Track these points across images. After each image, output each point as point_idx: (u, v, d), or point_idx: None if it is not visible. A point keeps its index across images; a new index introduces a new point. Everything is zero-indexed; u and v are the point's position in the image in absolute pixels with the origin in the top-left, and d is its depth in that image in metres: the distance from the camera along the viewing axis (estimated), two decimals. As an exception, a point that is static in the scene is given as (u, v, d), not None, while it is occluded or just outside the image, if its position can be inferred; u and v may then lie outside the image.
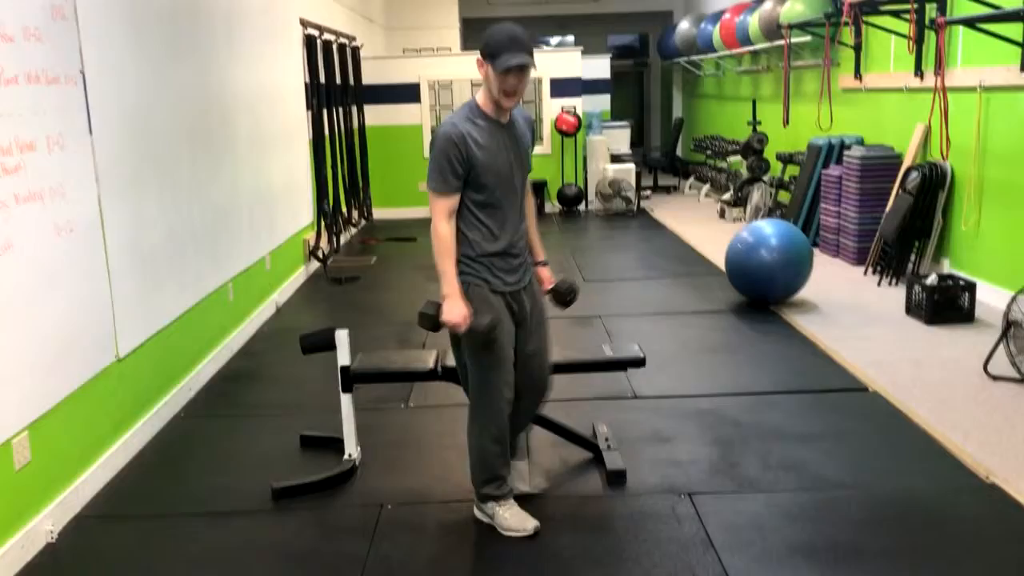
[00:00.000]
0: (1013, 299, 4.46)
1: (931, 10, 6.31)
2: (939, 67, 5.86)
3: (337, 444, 3.77)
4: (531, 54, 2.89)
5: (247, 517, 3.40)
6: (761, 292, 6.08)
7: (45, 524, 3.22)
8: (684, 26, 12.92)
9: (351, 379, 3.64)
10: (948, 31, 6.06)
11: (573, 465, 3.71)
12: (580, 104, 11.03)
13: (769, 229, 6.08)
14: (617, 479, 3.52)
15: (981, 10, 5.57)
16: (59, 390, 3.39)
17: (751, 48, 10.25)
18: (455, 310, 2.96)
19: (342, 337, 3.61)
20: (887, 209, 6.77)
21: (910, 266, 6.52)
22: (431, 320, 3.00)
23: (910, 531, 3.11)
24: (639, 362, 3.67)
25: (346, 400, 3.67)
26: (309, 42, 7.97)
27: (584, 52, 11.42)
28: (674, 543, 3.07)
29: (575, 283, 3.33)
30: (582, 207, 11.23)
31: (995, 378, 4.48)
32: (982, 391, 4.36)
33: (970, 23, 5.58)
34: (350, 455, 3.71)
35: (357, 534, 3.22)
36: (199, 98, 5.17)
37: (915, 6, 6.07)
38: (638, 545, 3.07)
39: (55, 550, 3.19)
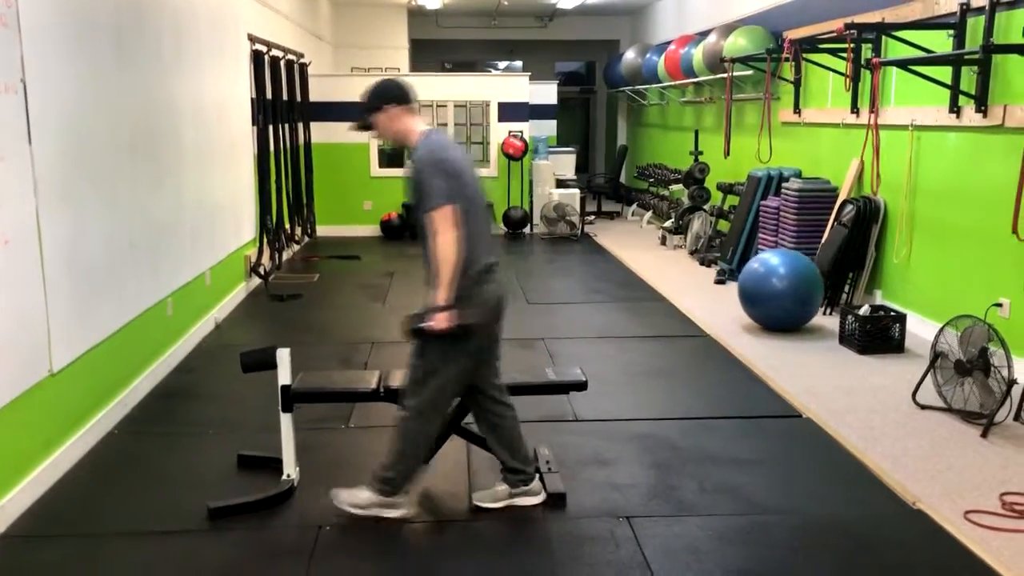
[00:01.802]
0: (940, 331, 4.62)
1: (867, 50, 6.55)
2: (873, 105, 6.08)
3: (275, 464, 3.72)
4: (366, 111, 3.31)
5: (182, 537, 3.34)
6: (776, 319, 6.19)
7: (-31, 543, 3.13)
8: (630, 56, 13.15)
9: (291, 399, 3.61)
10: (883, 71, 6.29)
11: (514, 487, 3.72)
12: (527, 129, 11.14)
13: (777, 259, 6.21)
14: (557, 502, 3.55)
15: (913, 53, 5.80)
16: (-12, 405, 3.30)
17: (695, 80, 10.48)
18: None
19: (283, 356, 3.59)
20: (823, 240, 6.97)
21: (844, 296, 6.71)
22: None
23: (841, 555, 3.19)
24: (581, 386, 3.72)
25: (286, 420, 3.64)
26: (256, 58, 7.91)
27: (532, 78, 11.55)
28: (612, 566, 3.10)
29: (412, 322, 3.22)
30: (527, 230, 11.31)
31: (923, 407, 4.62)
32: (910, 420, 4.50)
33: (903, 65, 5.81)
34: (288, 475, 3.67)
35: (294, 555, 3.19)
36: (143, 110, 5.10)
37: (852, 46, 6.29)
38: (577, 568, 3.09)
39: (-21, 570, 3.10)
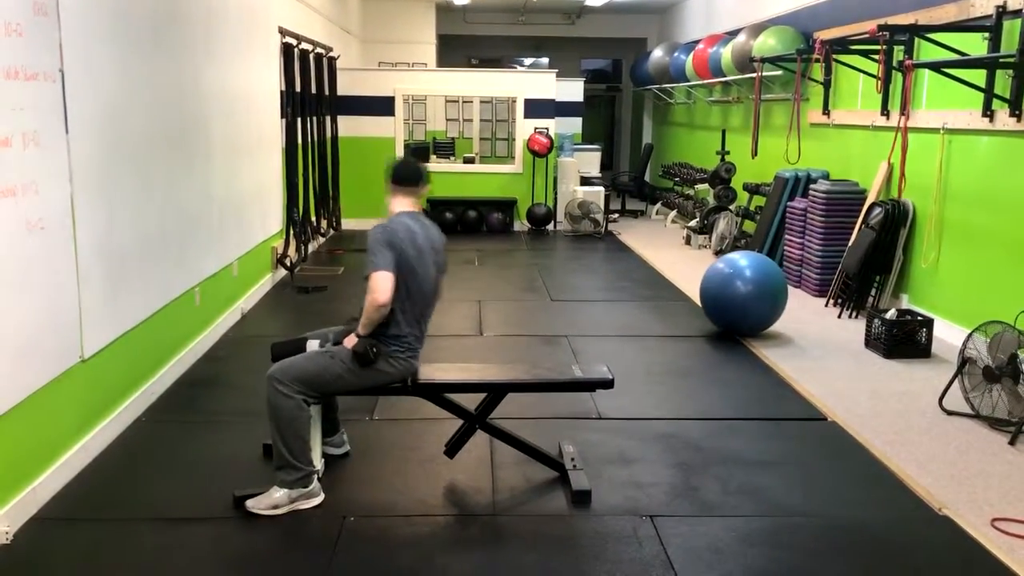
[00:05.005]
0: (968, 337, 4.58)
1: (899, 52, 6.49)
2: (904, 108, 6.03)
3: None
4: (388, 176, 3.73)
5: (208, 524, 3.38)
6: (735, 323, 6.09)
7: (1, 525, 3.17)
8: (658, 54, 13.11)
9: (319, 389, 3.63)
10: (915, 74, 6.24)
11: (538, 483, 3.73)
12: (553, 126, 11.13)
13: (744, 261, 6.13)
14: (582, 499, 3.55)
15: (947, 55, 5.74)
16: (22, 389, 3.35)
17: (723, 79, 10.43)
18: None
19: (313, 347, 3.61)
20: (850, 243, 6.92)
21: (870, 300, 6.67)
22: None
23: (865, 559, 3.18)
24: (608, 384, 3.72)
25: (313, 411, 3.66)
26: (287, 50, 7.96)
27: (558, 75, 11.54)
28: (635, 564, 3.10)
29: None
30: (550, 227, 11.31)
31: (949, 413, 4.59)
32: (936, 425, 4.47)
33: (936, 67, 5.76)
34: (316, 474, 3.68)
35: (319, 545, 3.22)
36: (175, 101, 5.15)
37: (884, 48, 6.24)
38: (600, 565, 3.10)
39: (10, 552, 3.14)
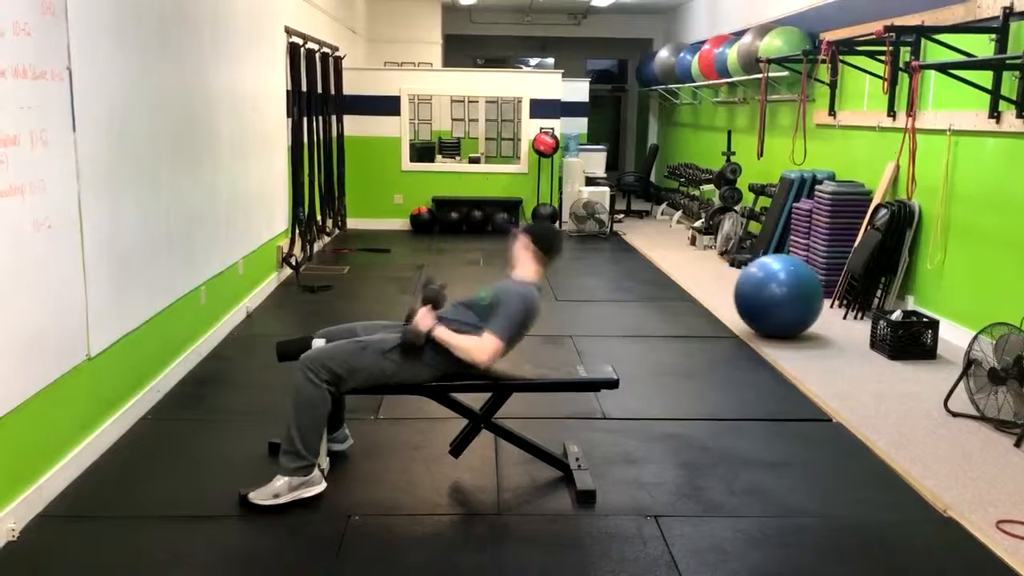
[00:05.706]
0: (974, 338, 4.57)
1: (905, 53, 6.48)
2: (911, 109, 6.02)
3: (306, 453, 3.75)
4: (522, 230, 3.89)
5: (213, 522, 3.39)
6: (769, 325, 6.07)
7: (7, 522, 3.18)
8: (663, 54, 13.10)
9: (324, 388, 3.64)
10: (921, 75, 6.23)
11: (542, 483, 3.74)
12: (558, 126, 11.14)
13: (777, 265, 6.11)
14: (586, 499, 3.56)
15: (954, 56, 5.73)
16: (28, 386, 3.36)
17: (729, 80, 10.43)
18: None
19: (319, 345, 3.62)
20: (855, 244, 6.91)
21: (876, 301, 6.66)
22: None
23: (869, 561, 3.18)
24: (613, 384, 3.72)
25: (320, 408, 3.67)
26: (293, 50, 7.98)
27: (564, 75, 11.55)
28: (639, 564, 3.10)
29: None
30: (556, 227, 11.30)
31: (955, 415, 4.58)
32: (942, 427, 4.46)
33: (943, 69, 5.75)
34: (318, 465, 3.70)
35: (324, 544, 3.22)
36: (182, 100, 5.16)
37: (890, 49, 6.23)
38: (605, 564, 3.10)
39: (16, 548, 3.15)
